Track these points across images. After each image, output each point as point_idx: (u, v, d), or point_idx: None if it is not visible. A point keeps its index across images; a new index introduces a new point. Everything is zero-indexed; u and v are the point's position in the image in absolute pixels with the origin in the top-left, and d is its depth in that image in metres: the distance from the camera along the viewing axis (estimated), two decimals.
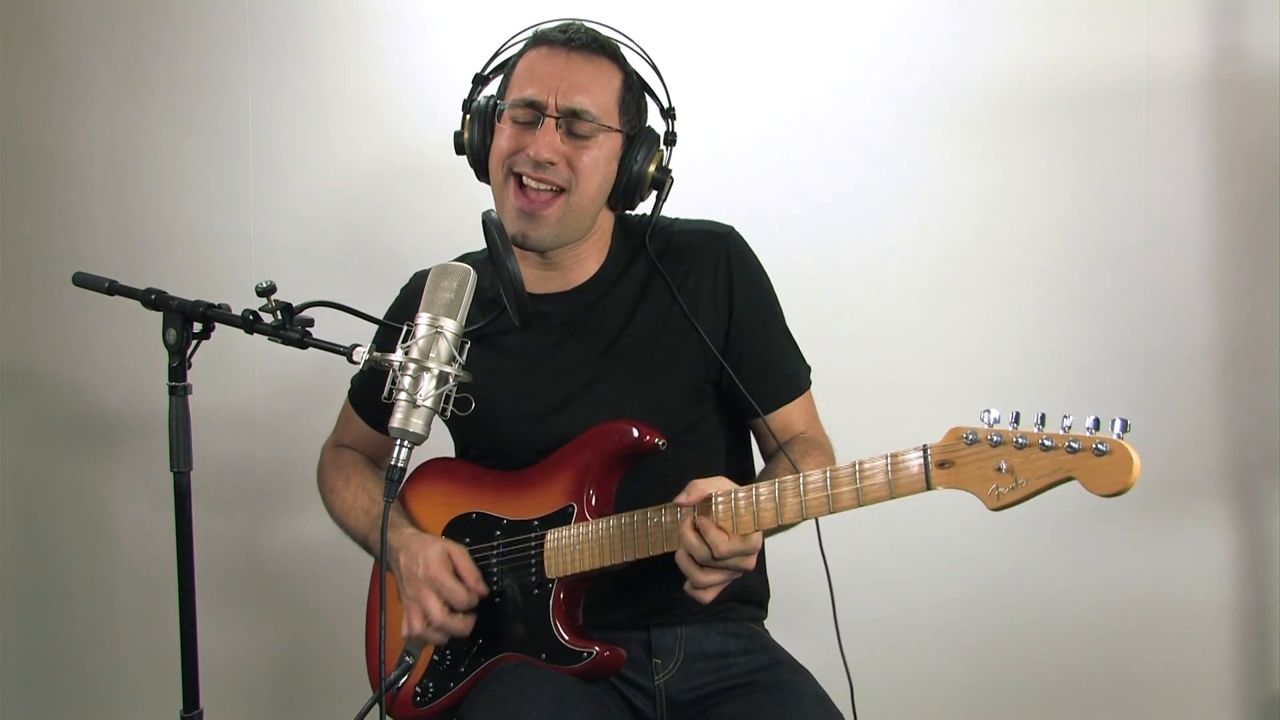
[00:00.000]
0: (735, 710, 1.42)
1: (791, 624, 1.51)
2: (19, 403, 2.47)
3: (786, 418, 1.57)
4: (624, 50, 1.54)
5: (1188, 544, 2.17)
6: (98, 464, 2.46)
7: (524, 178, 1.46)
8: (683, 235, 1.57)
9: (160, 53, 2.40)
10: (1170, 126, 2.17)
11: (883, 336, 2.23)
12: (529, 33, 1.52)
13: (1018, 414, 1.14)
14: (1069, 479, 1.11)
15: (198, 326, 1.39)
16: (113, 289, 1.44)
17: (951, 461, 1.18)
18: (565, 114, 1.45)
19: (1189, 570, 2.16)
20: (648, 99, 1.56)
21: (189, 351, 1.39)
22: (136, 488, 2.43)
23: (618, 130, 1.49)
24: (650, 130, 1.53)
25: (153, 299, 1.41)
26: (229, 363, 2.27)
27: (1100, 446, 1.09)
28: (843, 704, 1.45)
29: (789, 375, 1.58)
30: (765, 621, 1.62)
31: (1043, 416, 1.13)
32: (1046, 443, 1.12)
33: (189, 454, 1.38)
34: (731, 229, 1.59)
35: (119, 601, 2.46)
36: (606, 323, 1.54)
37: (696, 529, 1.30)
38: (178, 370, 1.38)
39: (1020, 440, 1.13)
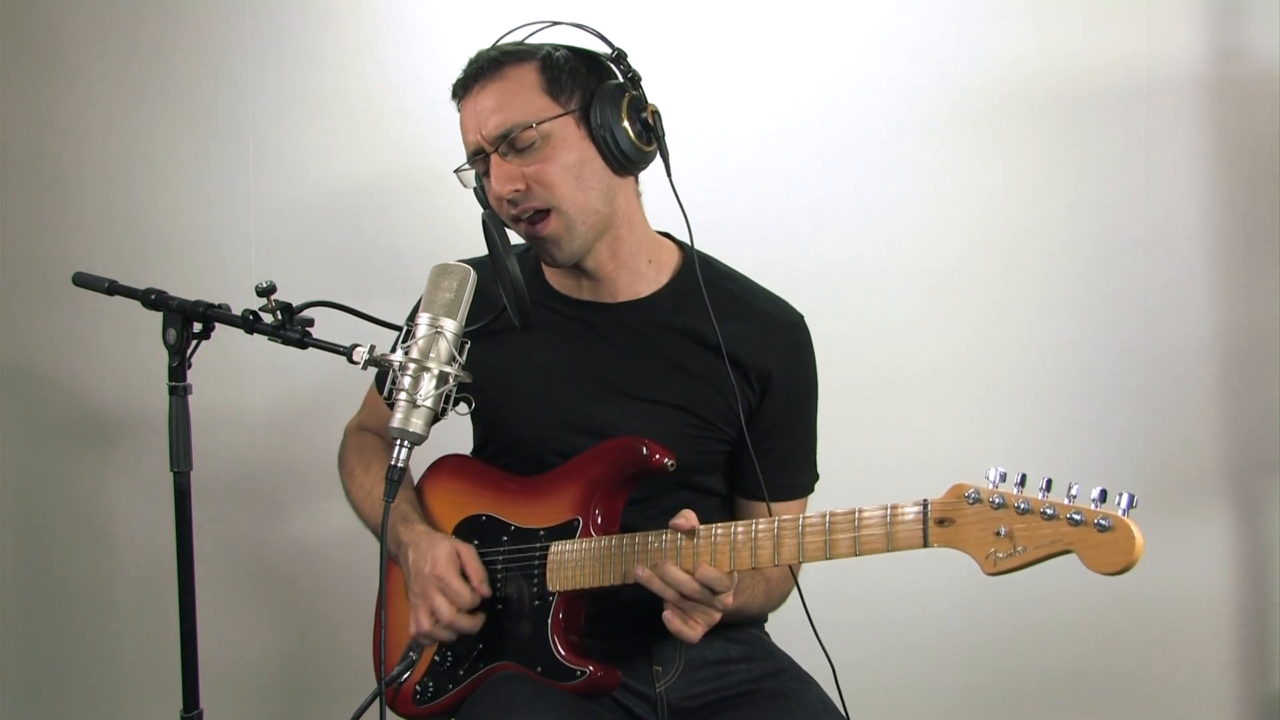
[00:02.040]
0: (739, 717, 1.42)
1: (793, 628, 1.51)
2: (19, 403, 2.47)
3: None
4: (541, 35, 1.49)
5: (1188, 544, 2.17)
6: (98, 464, 2.46)
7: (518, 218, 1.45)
8: (755, 299, 1.55)
9: (160, 53, 2.40)
10: (1170, 126, 2.17)
11: (883, 336, 2.23)
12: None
13: (1024, 476, 1.11)
14: (1067, 552, 1.08)
15: (198, 326, 1.40)
16: (113, 289, 1.45)
17: (951, 519, 1.15)
18: (497, 142, 1.42)
19: (1189, 570, 2.16)
20: (595, 61, 1.48)
21: (189, 351, 1.40)
22: (136, 488, 2.43)
23: (563, 114, 1.43)
24: (604, 88, 1.44)
25: (153, 299, 1.41)
26: (229, 363, 2.26)
27: (1103, 522, 1.05)
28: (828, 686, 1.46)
29: (794, 477, 1.57)
30: (766, 626, 1.62)
31: (1049, 482, 1.10)
32: (1048, 511, 1.08)
33: (189, 454, 1.38)
34: (803, 318, 1.56)
35: (119, 601, 2.46)
36: (648, 347, 1.51)
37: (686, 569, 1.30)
38: (178, 370, 1.38)
39: (1022, 505, 1.10)
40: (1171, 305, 2.18)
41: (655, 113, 1.47)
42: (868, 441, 2.15)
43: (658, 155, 1.48)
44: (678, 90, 1.56)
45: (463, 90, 1.46)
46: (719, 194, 2.16)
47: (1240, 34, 2.14)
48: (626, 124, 1.43)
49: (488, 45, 1.49)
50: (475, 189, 1.52)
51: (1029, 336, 2.22)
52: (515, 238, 1.51)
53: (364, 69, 2.36)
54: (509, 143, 1.42)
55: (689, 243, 1.52)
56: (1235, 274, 2.17)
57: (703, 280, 1.48)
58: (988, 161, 2.21)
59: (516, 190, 1.41)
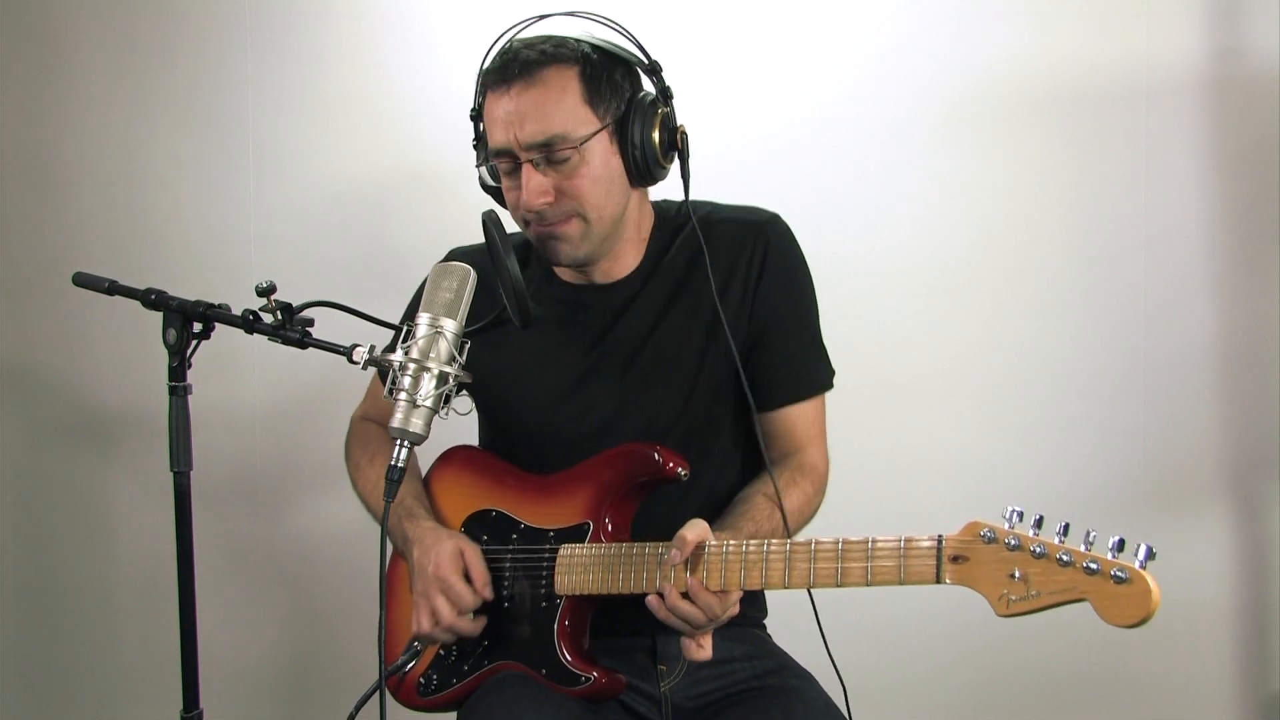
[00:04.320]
0: (742, 714, 1.42)
1: (794, 629, 1.51)
2: (19, 403, 2.48)
3: (789, 421, 1.52)
4: (579, 33, 1.46)
5: (1188, 544, 2.17)
6: (98, 464, 2.46)
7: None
8: (721, 223, 1.52)
9: (160, 53, 2.40)
10: (1170, 126, 2.17)
11: (883, 336, 2.23)
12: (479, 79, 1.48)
13: (1040, 518, 1.11)
14: (1081, 600, 1.07)
15: (198, 326, 1.40)
16: (113, 289, 1.45)
17: (965, 557, 1.14)
18: (533, 149, 1.40)
19: (1189, 570, 2.16)
20: (629, 66, 1.47)
21: (189, 351, 1.40)
22: (136, 488, 2.43)
23: (599, 128, 1.42)
24: (639, 100, 1.44)
25: (153, 299, 1.41)
26: (229, 363, 2.26)
27: (1119, 573, 1.04)
28: (834, 691, 1.46)
29: (801, 375, 1.53)
30: (768, 627, 1.62)
31: (1066, 526, 1.09)
32: (1064, 557, 1.07)
33: (189, 454, 1.38)
34: (775, 217, 1.54)
35: (119, 601, 2.46)
36: (640, 320, 1.51)
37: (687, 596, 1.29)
38: (178, 370, 1.38)
39: (1037, 549, 1.09)
40: (1172, 305, 2.18)
41: (684, 134, 1.48)
42: (868, 441, 2.15)
43: (668, 175, 1.49)
44: (677, 90, 1.56)
45: (498, 83, 1.42)
46: (719, 194, 2.16)
47: (1240, 34, 2.14)
48: (656, 141, 1.44)
49: (524, 35, 1.46)
50: (491, 186, 1.50)
51: (1029, 337, 2.22)
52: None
53: (364, 69, 2.36)
54: (546, 156, 1.40)
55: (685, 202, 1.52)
56: (1235, 274, 2.17)
57: (676, 219, 1.51)
58: (988, 161, 2.22)
59: (547, 203, 1.41)
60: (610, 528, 1.41)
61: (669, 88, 1.48)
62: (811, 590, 1.27)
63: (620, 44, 1.48)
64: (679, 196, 1.53)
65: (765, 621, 1.62)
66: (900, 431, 2.24)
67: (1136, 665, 2.21)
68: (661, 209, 1.58)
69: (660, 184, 1.52)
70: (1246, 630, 2.19)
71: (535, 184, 1.40)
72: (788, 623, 1.55)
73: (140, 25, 2.40)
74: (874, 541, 1.20)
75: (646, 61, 1.48)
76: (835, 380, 1.58)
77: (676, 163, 1.50)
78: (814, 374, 1.55)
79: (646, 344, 1.51)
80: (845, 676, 1.45)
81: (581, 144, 1.40)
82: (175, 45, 2.40)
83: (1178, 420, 2.18)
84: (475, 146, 1.53)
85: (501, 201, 1.51)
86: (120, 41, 2.41)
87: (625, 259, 1.53)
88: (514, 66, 1.41)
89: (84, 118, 2.42)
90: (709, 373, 1.50)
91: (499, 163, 1.45)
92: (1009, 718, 2.25)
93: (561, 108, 1.40)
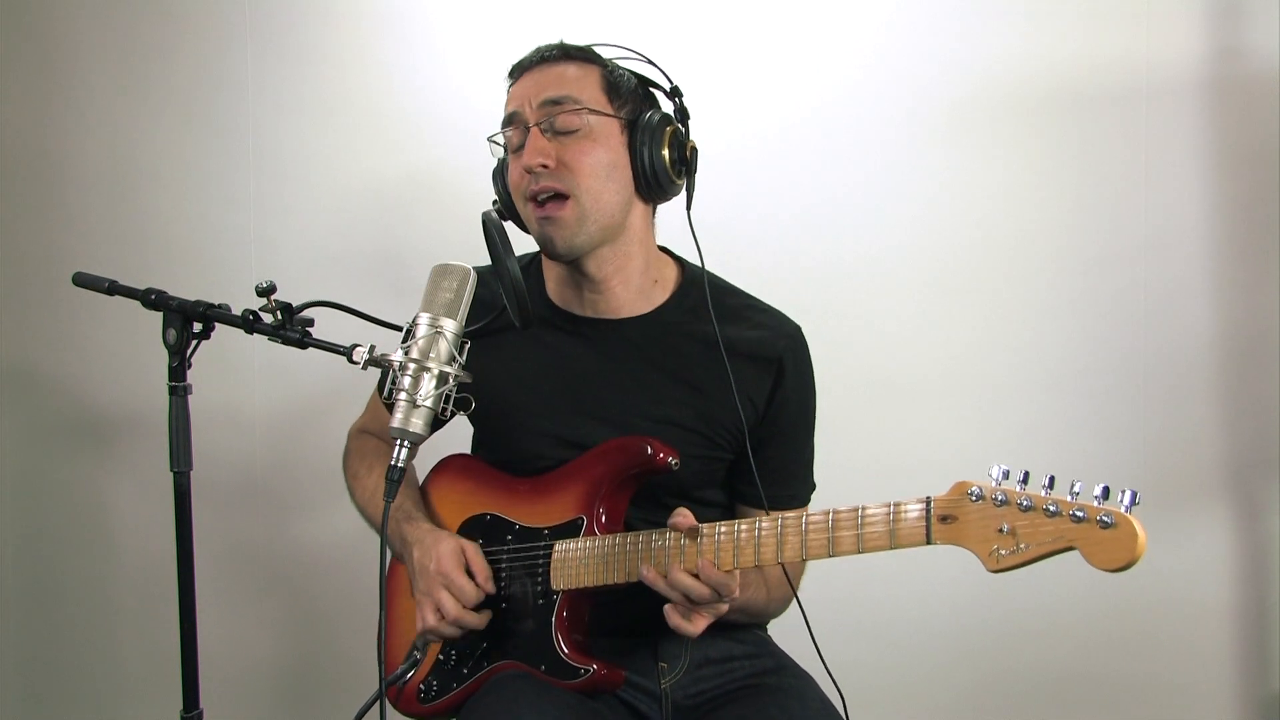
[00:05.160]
0: (740, 712, 1.42)
1: (795, 633, 1.51)
2: (19, 403, 2.48)
3: None
4: (610, 52, 1.52)
5: (1188, 544, 2.17)
6: (98, 464, 2.46)
7: (536, 196, 1.44)
8: (753, 313, 1.54)
9: (160, 53, 2.40)
10: (1170, 127, 2.17)
11: (883, 336, 2.23)
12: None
13: (1027, 474, 1.12)
14: (1070, 549, 1.09)
15: (198, 326, 1.40)
16: (113, 289, 1.45)
17: (954, 516, 1.16)
18: (543, 107, 1.43)
19: (1189, 570, 2.16)
20: (650, 90, 1.53)
21: (189, 351, 1.40)
22: (136, 488, 2.43)
23: (611, 115, 1.45)
24: (654, 113, 1.48)
25: (153, 299, 1.41)
26: (229, 363, 2.27)
27: (1105, 519, 1.06)
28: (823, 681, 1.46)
29: (791, 491, 1.56)
30: (768, 628, 1.62)
31: (1051, 479, 1.11)
32: (1051, 508, 1.09)
33: (189, 454, 1.39)
34: (799, 329, 1.55)
35: (119, 601, 2.46)
36: (650, 363, 1.51)
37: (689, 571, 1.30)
38: (178, 370, 1.39)
39: (1024, 502, 1.11)
40: (1171, 305, 2.18)
41: (694, 150, 1.51)
42: (868, 441, 2.15)
43: (681, 192, 1.51)
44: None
45: (521, 70, 1.49)
46: (719, 194, 2.16)
47: (1240, 34, 2.14)
48: (666, 152, 1.46)
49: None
50: (500, 160, 1.53)
51: (1029, 336, 2.22)
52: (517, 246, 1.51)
53: (364, 69, 2.36)
54: (551, 121, 1.43)
55: (699, 262, 1.52)
56: (1235, 274, 2.17)
57: (701, 291, 1.49)
58: (988, 162, 2.22)
59: (544, 165, 1.42)
60: (604, 520, 1.42)
61: (686, 110, 1.52)
62: (805, 562, 1.29)
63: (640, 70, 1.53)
64: (681, 210, 1.53)
65: (767, 624, 1.62)
66: (900, 431, 2.24)
67: (1136, 665, 2.21)
68: (692, 272, 1.56)
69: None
70: (1246, 630, 2.20)
71: (537, 145, 1.43)
72: (789, 626, 1.56)
73: (140, 25, 2.40)
74: (864, 509, 1.23)
75: (668, 86, 1.52)
76: (836, 379, 1.60)
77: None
78: (805, 488, 1.59)
79: (649, 391, 1.50)
80: (844, 677, 1.45)
81: (591, 114, 1.43)
82: (175, 45, 2.40)
83: (1177, 420, 2.18)
84: (495, 176, 1.55)
85: (517, 222, 1.52)
86: (120, 41, 2.41)
87: (637, 298, 1.52)
88: (540, 53, 1.48)
89: (85, 118, 2.42)
90: (706, 438, 1.49)
91: (508, 133, 1.48)
92: (1009, 718, 2.25)
93: (581, 83, 1.46)
